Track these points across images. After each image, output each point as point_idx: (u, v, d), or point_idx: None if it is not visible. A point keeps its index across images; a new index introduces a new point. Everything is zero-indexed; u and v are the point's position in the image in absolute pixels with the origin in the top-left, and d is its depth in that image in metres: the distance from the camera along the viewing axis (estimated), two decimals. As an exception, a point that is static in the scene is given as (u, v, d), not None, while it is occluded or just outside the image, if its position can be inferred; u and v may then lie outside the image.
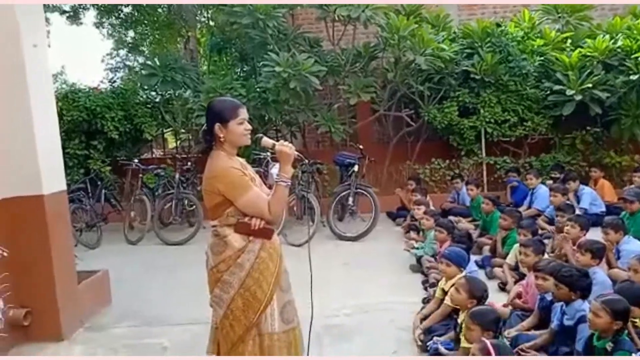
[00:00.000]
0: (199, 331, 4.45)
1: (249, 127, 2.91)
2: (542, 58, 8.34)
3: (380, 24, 8.06)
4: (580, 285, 3.32)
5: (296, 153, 2.90)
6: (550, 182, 7.45)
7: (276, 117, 9.00)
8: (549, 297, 3.71)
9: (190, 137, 9.68)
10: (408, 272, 5.73)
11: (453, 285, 3.96)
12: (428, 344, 3.64)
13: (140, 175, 8.22)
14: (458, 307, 3.69)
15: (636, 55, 7.57)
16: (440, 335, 3.72)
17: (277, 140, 2.98)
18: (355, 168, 7.51)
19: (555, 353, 3.39)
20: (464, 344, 3.33)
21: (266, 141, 2.96)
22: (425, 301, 4.64)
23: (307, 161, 7.89)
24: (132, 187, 9.03)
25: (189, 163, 8.41)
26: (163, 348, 4.21)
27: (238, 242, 2.80)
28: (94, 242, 7.68)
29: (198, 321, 4.64)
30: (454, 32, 9.03)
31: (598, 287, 3.78)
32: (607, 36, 8.02)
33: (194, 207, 8.12)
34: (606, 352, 2.90)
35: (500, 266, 5.09)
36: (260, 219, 2.80)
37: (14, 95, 4.19)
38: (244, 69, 10.37)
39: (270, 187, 7.83)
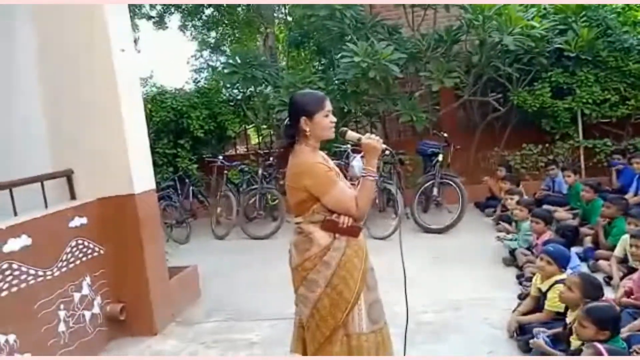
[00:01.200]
0: (286, 327, 4.40)
1: (334, 119, 2.81)
2: (647, 29, 7.58)
3: (462, 5, 7.68)
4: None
5: (384, 146, 2.77)
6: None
7: (356, 108, 8.88)
8: (669, 294, 3.31)
9: (272, 133, 9.74)
10: (500, 265, 5.40)
11: (552, 285, 3.66)
12: (532, 338, 3.35)
13: (225, 171, 8.39)
14: (560, 310, 3.40)
15: None
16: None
17: (362, 133, 2.85)
18: (440, 157, 7.21)
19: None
20: (575, 344, 3.04)
21: (351, 134, 2.85)
22: (522, 297, 4.34)
23: (389, 152, 7.95)
24: (218, 184, 9.30)
25: (271, 158, 8.47)
26: (251, 343, 4.23)
27: (324, 240, 2.71)
28: (183, 238, 7.94)
29: (285, 316, 4.63)
30: (544, 8, 8.41)
31: None
32: None
33: (277, 201, 8.20)
34: None
35: (606, 259, 4.65)
36: (347, 216, 2.70)
37: (106, 99, 4.35)
38: (322, 62, 10.32)
39: (350, 180, 7.75)
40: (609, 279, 4.46)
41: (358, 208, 2.68)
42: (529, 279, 4.61)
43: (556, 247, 3.90)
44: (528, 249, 5.27)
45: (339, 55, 8.25)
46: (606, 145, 7.94)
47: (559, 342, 3.30)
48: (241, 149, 11.71)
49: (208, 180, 9.72)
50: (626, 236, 4.57)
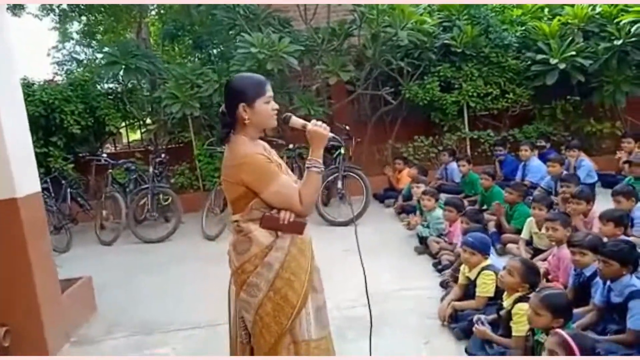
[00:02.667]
0: (206, 336, 4.08)
1: (276, 106, 2.52)
2: (522, 28, 8.18)
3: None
4: (630, 258, 3.10)
5: (331, 134, 2.53)
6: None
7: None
8: (587, 272, 3.50)
9: (161, 128, 9.05)
10: (413, 254, 5.47)
11: (480, 272, 3.73)
12: (469, 325, 3.35)
13: (110, 170, 7.63)
14: (490, 295, 3.45)
15: (618, 19, 7.48)
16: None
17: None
18: (342, 150, 7.17)
19: (603, 331, 3.18)
20: (517, 332, 3.07)
21: (296, 121, 2.56)
22: (444, 285, 4.39)
23: (290, 145, 7.75)
24: (99, 184, 8.48)
25: (163, 155, 7.85)
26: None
27: (265, 239, 2.43)
28: (63, 246, 7.07)
29: (200, 324, 4.28)
30: (429, 6, 8.76)
31: None
32: (586, 3, 7.91)
33: (169, 201, 7.66)
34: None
35: (512, 242, 4.87)
36: (289, 212, 2.44)
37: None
38: (200, 57, 9.81)
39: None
40: (518, 260, 4.67)
41: (302, 203, 2.43)
42: (446, 267, 4.71)
43: (475, 237, 3.96)
44: (439, 236, 5.39)
45: (235, 45, 7.92)
46: (489, 136, 8.47)
47: (497, 327, 3.34)
48: (119, 147, 10.86)
49: (86, 181, 8.85)
50: (531, 219, 4.83)
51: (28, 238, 3.83)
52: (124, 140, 10.95)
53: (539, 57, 7.79)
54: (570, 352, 2.24)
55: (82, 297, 4.64)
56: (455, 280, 4.17)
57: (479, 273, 3.74)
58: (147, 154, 8.68)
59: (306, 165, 2.49)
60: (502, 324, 3.27)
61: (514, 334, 3.10)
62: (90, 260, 6.45)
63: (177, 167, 8.68)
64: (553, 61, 7.62)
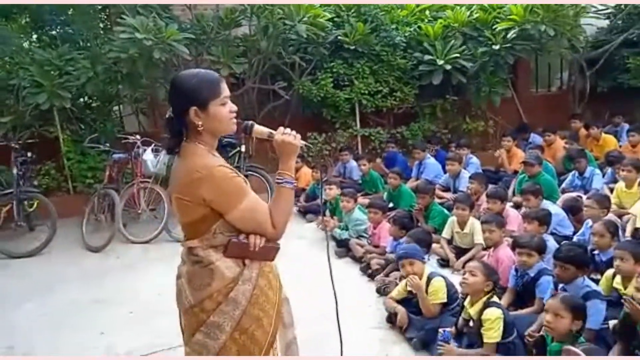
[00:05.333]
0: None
1: (235, 107, 2.14)
2: (410, 29, 8.43)
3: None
4: (585, 262, 3.26)
5: (302, 142, 2.22)
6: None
7: (130, 93, 7.75)
8: (532, 272, 3.63)
9: (18, 120, 7.71)
10: (333, 258, 5.29)
11: (428, 282, 3.69)
12: (440, 336, 3.26)
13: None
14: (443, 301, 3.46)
15: (494, 26, 8.05)
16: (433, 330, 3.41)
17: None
18: (242, 148, 6.75)
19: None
20: (489, 339, 3.05)
21: (260, 129, 2.23)
22: (382, 291, 4.30)
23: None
24: None
25: (28, 154, 6.70)
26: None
27: (230, 271, 2.06)
28: None
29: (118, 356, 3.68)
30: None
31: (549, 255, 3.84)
32: (464, 8, 8.40)
33: (34, 207, 6.59)
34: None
35: (436, 242, 4.95)
36: (259, 236, 2.08)
37: None
38: (41, 38, 8.59)
39: (142, 176, 6.61)
40: (444, 261, 4.76)
41: (275, 225, 2.09)
42: (377, 272, 4.63)
43: (407, 248, 4.03)
44: (358, 238, 5.30)
45: (116, 29, 7.02)
46: (379, 134, 8.63)
47: (458, 337, 3.31)
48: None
49: None
50: (453, 218, 4.95)
51: None
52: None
53: (427, 57, 8.09)
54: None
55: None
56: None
57: (427, 283, 3.69)
58: (1, 151, 7.36)
59: (276, 180, 2.16)
60: (469, 333, 3.25)
61: (486, 340, 3.10)
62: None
63: (41, 166, 7.50)
64: (439, 62, 7.96)
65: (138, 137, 6.69)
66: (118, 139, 7.23)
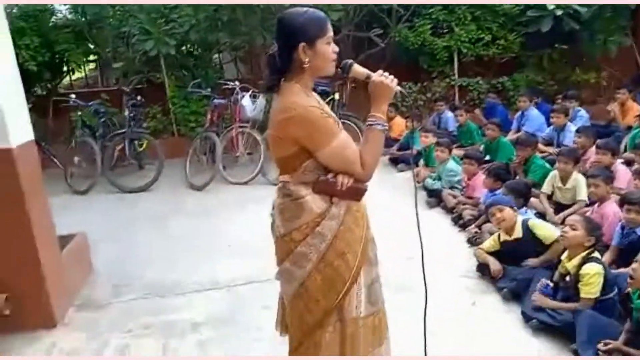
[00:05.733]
0: (227, 298, 3.78)
1: (337, 48, 2.12)
2: (519, -30, 7.88)
3: None
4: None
5: (398, 88, 2.17)
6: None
7: (230, 41, 7.97)
8: (639, 231, 3.41)
9: (129, 66, 8.23)
10: (424, 208, 5.27)
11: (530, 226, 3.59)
12: (542, 287, 3.20)
13: (79, 113, 6.92)
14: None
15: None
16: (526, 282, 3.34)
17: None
18: (336, 96, 6.78)
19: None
20: (587, 294, 2.95)
21: (358, 69, 2.18)
22: (473, 241, 4.24)
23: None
24: (58, 128, 7.76)
25: (138, 97, 7.17)
26: (194, 324, 3.45)
27: (318, 206, 2.09)
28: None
29: (218, 285, 3.97)
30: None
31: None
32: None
33: (143, 147, 7.10)
34: None
35: (535, 196, 4.75)
36: (347, 176, 2.09)
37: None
38: None
39: (241, 121, 6.83)
40: (541, 215, 4.57)
41: (364, 166, 2.09)
42: (469, 222, 4.55)
43: (496, 199, 3.96)
44: (451, 189, 5.22)
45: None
46: (478, 84, 8.28)
47: (555, 290, 3.21)
48: (76, 85, 9.92)
49: (44, 124, 8.04)
50: (554, 172, 4.72)
51: (25, 192, 3.34)
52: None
53: (535, 1, 7.53)
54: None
55: (79, 256, 4.19)
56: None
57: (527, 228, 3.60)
58: (114, 95, 7.95)
59: (368, 123, 2.14)
60: (565, 287, 3.14)
61: (583, 295, 2.98)
62: (67, 212, 5.85)
63: (149, 110, 8.01)
64: (550, 6, 7.40)
65: (237, 83, 6.92)
66: (218, 85, 7.52)
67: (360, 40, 8.40)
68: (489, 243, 3.84)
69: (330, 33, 2.10)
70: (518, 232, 3.65)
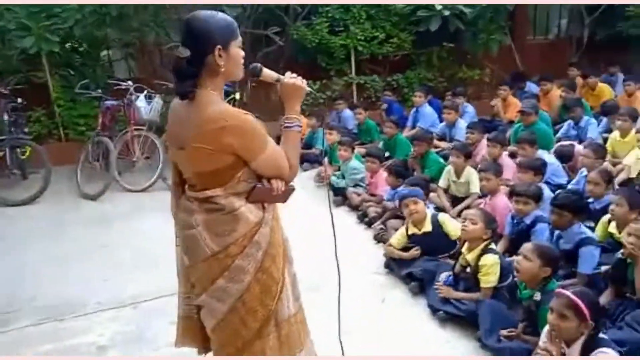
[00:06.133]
0: (134, 316, 3.59)
1: (243, 52, 2.11)
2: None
3: None
4: (582, 207, 3.32)
5: (308, 88, 2.22)
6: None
7: (119, 37, 7.55)
8: (528, 220, 3.70)
9: (5, 66, 7.50)
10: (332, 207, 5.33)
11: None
12: (444, 280, 3.37)
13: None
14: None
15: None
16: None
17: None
18: (237, 96, 6.66)
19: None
20: (486, 284, 3.15)
21: (268, 73, 2.20)
22: (379, 238, 4.37)
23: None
24: None
25: (18, 100, 6.55)
26: (99, 347, 3.24)
27: (254, 215, 2.09)
28: None
29: (122, 302, 3.75)
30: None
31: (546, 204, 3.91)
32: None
33: (26, 154, 6.53)
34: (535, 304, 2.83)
35: (432, 191, 4.99)
36: (279, 180, 2.13)
37: None
38: None
39: (136, 123, 6.56)
40: (438, 209, 4.81)
41: (292, 167, 2.16)
42: (374, 219, 4.69)
43: (411, 190, 4.09)
44: (354, 187, 5.34)
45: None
46: (374, 82, 8.53)
47: (457, 281, 3.40)
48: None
49: None
50: (449, 167, 4.98)
51: None
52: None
53: (425, 1, 7.90)
54: (579, 311, 2.31)
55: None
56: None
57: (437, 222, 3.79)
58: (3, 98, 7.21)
59: (285, 124, 2.18)
60: (466, 278, 3.33)
61: (483, 285, 3.19)
62: None
63: (31, 113, 7.37)
64: (438, 7, 7.79)
65: (130, 83, 6.57)
66: (110, 85, 7.09)
67: (257, 38, 8.31)
68: (397, 239, 3.96)
69: (240, 37, 2.07)
70: (428, 226, 3.82)
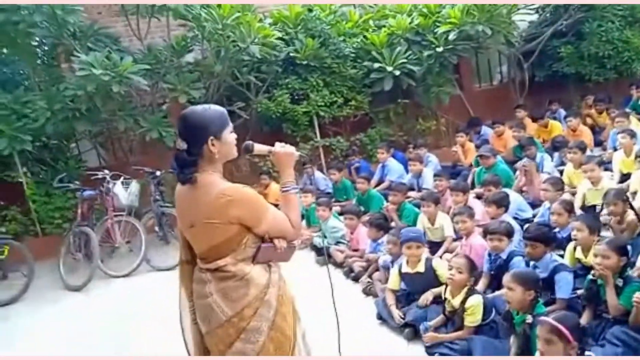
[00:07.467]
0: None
1: (235, 134, 2.40)
2: (357, 39, 8.78)
3: (194, 14, 7.44)
4: (551, 238, 3.61)
5: (298, 153, 2.54)
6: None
7: (90, 129, 7.79)
8: (504, 255, 3.96)
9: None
10: (315, 267, 5.52)
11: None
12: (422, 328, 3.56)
13: None
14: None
15: (435, 30, 8.51)
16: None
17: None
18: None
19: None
20: (470, 323, 3.37)
21: (260, 147, 2.51)
22: (368, 291, 4.56)
23: (157, 172, 7.15)
24: None
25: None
26: None
27: (262, 277, 2.32)
28: None
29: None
30: (260, 20, 8.86)
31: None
32: (405, 15, 8.83)
33: (5, 254, 6.50)
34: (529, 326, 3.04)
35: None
36: (281, 239, 2.37)
37: None
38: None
39: (115, 210, 6.70)
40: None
41: (294, 226, 2.40)
42: (361, 274, 4.88)
43: (414, 230, 4.43)
44: (336, 244, 5.55)
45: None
46: (339, 142, 8.91)
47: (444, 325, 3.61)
48: None
49: None
50: (422, 215, 5.26)
51: None
52: None
53: (376, 65, 8.45)
54: (563, 335, 2.53)
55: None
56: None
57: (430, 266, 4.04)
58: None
59: (284, 188, 2.44)
60: (454, 320, 3.54)
61: (466, 324, 3.41)
62: None
63: (6, 212, 7.40)
64: (388, 68, 8.34)
65: (107, 171, 6.73)
66: (83, 175, 7.23)
67: (223, 114, 8.65)
68: (393, 280, 4.16)
69: (231, 123, 2.36)
70: (421, 267, 4.04)
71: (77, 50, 7.10)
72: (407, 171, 7.27)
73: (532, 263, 3.70)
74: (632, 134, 5.97)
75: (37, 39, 7.67)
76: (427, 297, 3.87)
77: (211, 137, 2.25)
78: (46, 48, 8.00)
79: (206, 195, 2.25)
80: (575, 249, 3.87)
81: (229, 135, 2.34)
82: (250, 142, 2.49)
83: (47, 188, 7.32)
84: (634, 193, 4.86)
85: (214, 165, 2.32)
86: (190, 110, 2.36)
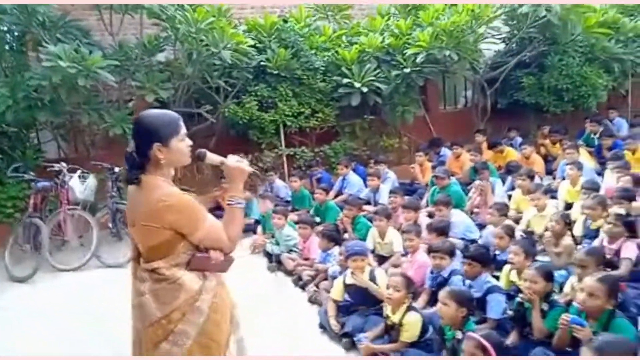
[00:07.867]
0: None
1: (190, 142, 2.47)
2: (328, 53, 8.94)
3: (169, 15, 7.48)
4: (488, 259, 3.79)
5: (250, 169, 2.56)
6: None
7: (52, 120, 7.69)
8: (445, 273, 4.12)
9: None
10: (266, 273, 5.59)
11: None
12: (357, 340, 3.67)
13: None
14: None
15: (404, 51, 8.75)
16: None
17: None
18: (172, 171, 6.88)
19: (466, 323, 3.80)
20: (406, 339, 3.50)
21: (212, 157, 2.53)
22: (314, 300, 4.65)
23: (116, 168, 7.12)
24: None
25: None
26: None
27: (194, 283, 2.37)
28: None
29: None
30: (234, 26, 8.94)
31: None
32: (377, 34, 9.05)
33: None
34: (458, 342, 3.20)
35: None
36: (218, 251, 2.42)
37: None
38: None
39: (69, 203, 6.69)
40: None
41: (231, 240, 2.43)
42: (308, 282, 4.98)
43: (359, 244, 4.51)
44: (288, 252, 5.63)
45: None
46: (303, 152, 9.03)
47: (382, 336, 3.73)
48: None
49: None
50: (374, 229, 5.40)
51: None
52: None
53: (345, 80, 8.63)
54: (486, 351, 2.69)
55: None
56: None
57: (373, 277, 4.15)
58: None
59: (229, 202, 2.49)
60: (392, 334, 3.67)
61: (401, 339, 3.54)
62: None
63: (-42, 198, 7.23)
64: (356, 84, 8.52)
65: (64, 164, 6.67)
66: (40, 166, 7.15)
67: (190, 116, 8.65)
68: (336, 291, 4.26)
69: (184, 130, 2.42)
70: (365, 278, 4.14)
71: (45, 40, 7.05)
72: (366, 185, 7.42)
73: (467, 282, 3.86)
74: (580, 166, 6.27)
75: (7, 24, 7.57)
76: None
77: (157, 144, 2.31)
78: (16, 34, 7.85)
79: (147, 198, 2.31)
80: (510, 271, 4.06)
81: (179, 143, 2.37)
82: (204, 150, 2.51)
83: (1, 176, 7.19)
84: (574, 222, 5.10)
85: (161, 169, 2.37)
86: (144, 113, 2.42)
